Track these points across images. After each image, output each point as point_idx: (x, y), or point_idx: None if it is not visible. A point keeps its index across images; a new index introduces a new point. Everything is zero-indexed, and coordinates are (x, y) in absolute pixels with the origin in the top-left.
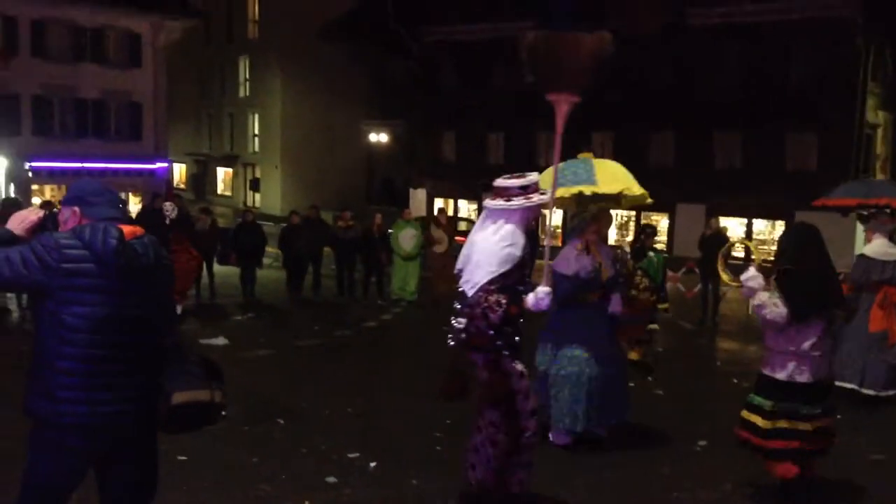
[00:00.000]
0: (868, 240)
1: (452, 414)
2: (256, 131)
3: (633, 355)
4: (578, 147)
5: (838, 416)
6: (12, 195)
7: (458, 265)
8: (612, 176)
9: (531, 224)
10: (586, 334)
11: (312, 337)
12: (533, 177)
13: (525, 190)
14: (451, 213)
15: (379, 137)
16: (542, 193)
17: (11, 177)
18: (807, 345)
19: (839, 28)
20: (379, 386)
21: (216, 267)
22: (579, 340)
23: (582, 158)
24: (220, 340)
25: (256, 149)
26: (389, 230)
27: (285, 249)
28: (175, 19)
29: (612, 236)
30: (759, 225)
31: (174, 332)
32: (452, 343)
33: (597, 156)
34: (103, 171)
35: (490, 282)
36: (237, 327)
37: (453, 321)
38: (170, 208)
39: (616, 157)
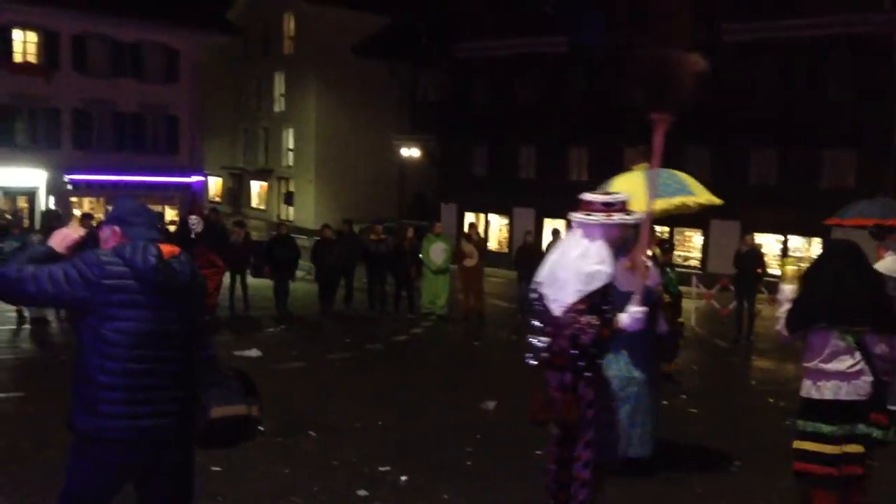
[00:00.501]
0: (879, 257)
1: (483, 428)
2: (291, 146)
3: (665, 369)
4: (633, 161)
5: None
6: (52, 207)
7: (539, 279)
8: (698, 185)
9: (618, 243)
10: (637, 355)
11: (344, 350)
12: (620, 195)
13: (608, 207)
14: (481, 227)
15: (411, 152)
16: (629, 214)
17: (52, 189)
18: (818, 361)
19: (876, 44)
20: (409, 399)
21: (250, 279)
22: (634, 362)
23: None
24: (254, 352)
25: (291, 163)
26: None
27: (318, 263)
28: (212, 35)
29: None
30: (796, 242)
31: (210, 347)
32: (533, 362)
33: (627, 170)
34: (140, 185)
35: (580, 302)
36: (270, 339)
37: (533, 339)
38: (195, 221)
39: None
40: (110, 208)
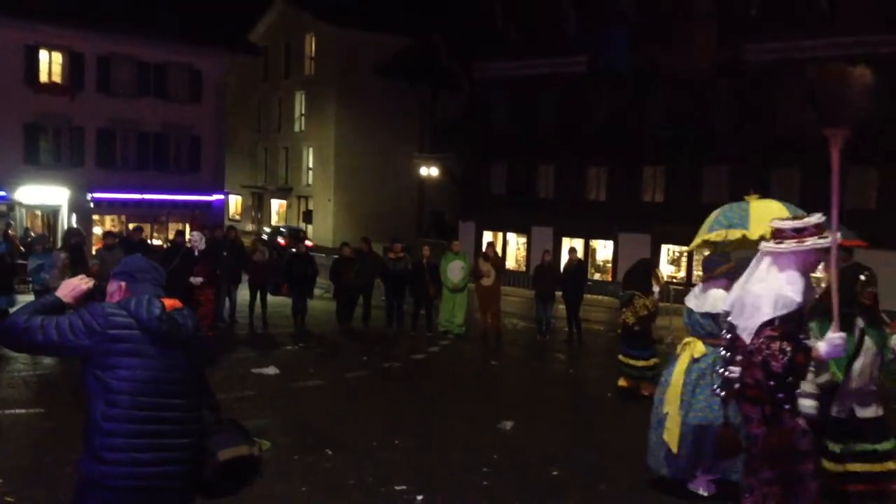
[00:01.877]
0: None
1: (500, 448)
2: (311, 164)
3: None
4: (747, 191)
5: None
6: (74, 225)
7: (726, 307)
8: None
9: (814, 267)
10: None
11: (361, 368)
12: (812, 219)
13: (799, 233)
14: (499, 246)
15: (430, 171)
16: (823, 237)
17: (74, 207)
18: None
19: None
20: (426, 418)
21: (269, 297)
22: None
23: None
24: (272, 370)
25: (310, 181)
26: (439, 263)
27: (336, 281)
28: (235, 56)
29: (666, 271)
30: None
31: (210, 395)
32: (723, 394)
33: (646, 190)
34: (162, 203)
35: (770, 328)
36: (288, 357)
37: (723, 371)
38: (198, 239)
39: (667, 193)
40: (120, 264)
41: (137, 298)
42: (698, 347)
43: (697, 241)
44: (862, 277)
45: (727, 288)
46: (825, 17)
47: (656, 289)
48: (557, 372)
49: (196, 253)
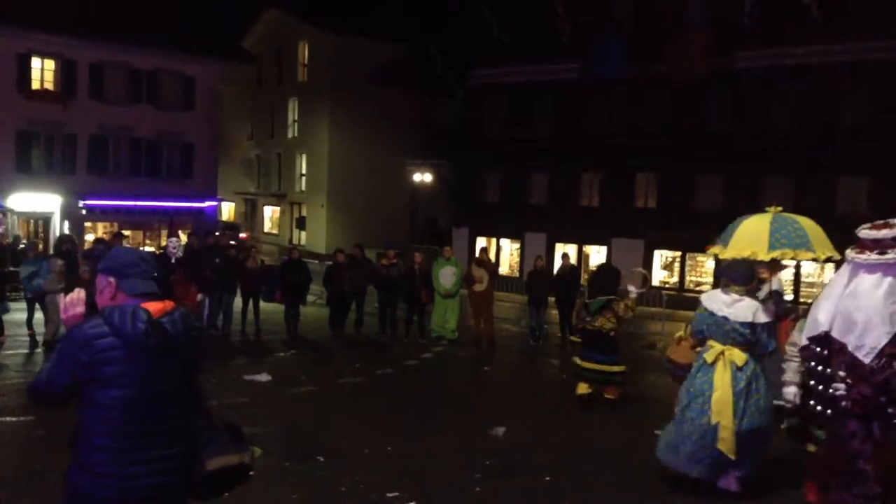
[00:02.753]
0: (767, 279)
1: (492, 454)
2: (304, 171)
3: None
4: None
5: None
6: (66, 232)
7: (826, 327)
8: (817, 236)
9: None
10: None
11: (354, 374)
12: None
13: None
14: (493, 252)
15: (423, 177)
16: None
17: (66, 214)
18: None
19: (890, 70)
20: (418, 425)
21: (262, 304)
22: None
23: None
24: (264, 377)
25: (303, 188)
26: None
27: (329, 287)
28: (228, 63)
29: (658, 277)
30: (808, 268)
31: (203, 400)
32: (829, 412)
33: (639, 196)
34: (155, 210)
35: (891, 345)
36: (281, 364)
37: (826, 388)
38: (174, 245)
39: (661, 200)
40: (106, 257)
41: (121, 310)
42: (739, 355)
43: (745, 253)
44: None
45: (755, 297)
46: (816, 25)
47: (634, 293)
48: (550, 377)
49: (173, 260)
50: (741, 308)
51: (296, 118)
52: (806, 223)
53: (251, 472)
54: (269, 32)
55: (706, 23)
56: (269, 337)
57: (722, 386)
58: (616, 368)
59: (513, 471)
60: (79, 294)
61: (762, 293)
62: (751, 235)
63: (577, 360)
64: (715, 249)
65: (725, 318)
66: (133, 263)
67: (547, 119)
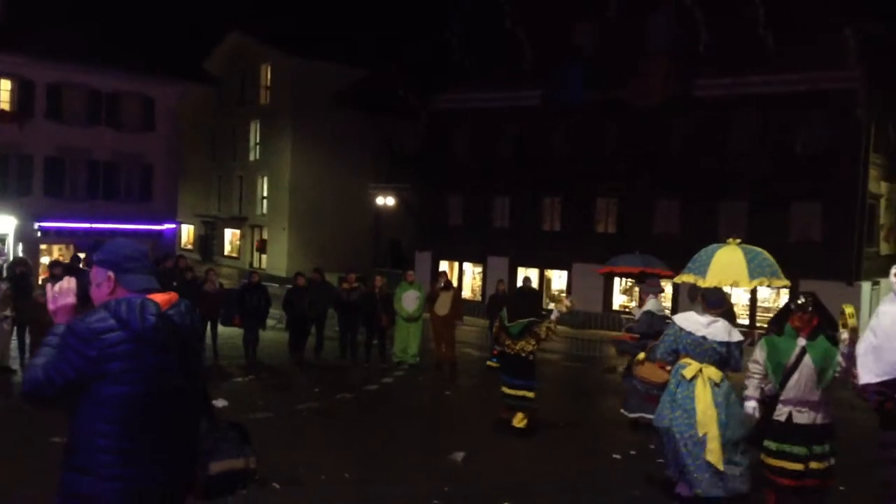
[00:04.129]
0: (643, 300)
1: (451, 480)
2: (265, 193)
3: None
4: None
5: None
6: (21, 255)
7: (867, 350)
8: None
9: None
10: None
11: (312, 399)
12: None
13: None
14: (455, 275)
15: (386, 201)
16: None
17: (21, 236)
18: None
19: (842, 100)
20: (377, 450)
21: (220, 328)
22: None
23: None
24: (220, 402)
25: (265, 211)
26: (393, 292)
27: (289, 311)
28: (189, 84)
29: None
30: (764, 293)
31: (206, 398)
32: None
33: (600, 221)
34: (112, 232)
35: None
36: (237, 389)
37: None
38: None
39: (620, 224)
40: (101, 248)
41: (129, 303)
42: (715, 372)
43: (678, 278)
44: (792, 306)
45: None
46: (771, 55)
47: (555, 314)
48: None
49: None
50: (717, 329)
51: (258, 140)
52: (766, 253)
53: (256, 478)
54: (231, 55)
55: (664, 51)
56: (226, 362)
57: (704, 399)
58: (528, 394)
59: (472, 497)
60: (69, 283)
61: (637, 314)
62: (729, 266)
63: (503, 387)
64: (688, 278)
65: (704, 338)
66: (132, 257)
67: (509, 144)
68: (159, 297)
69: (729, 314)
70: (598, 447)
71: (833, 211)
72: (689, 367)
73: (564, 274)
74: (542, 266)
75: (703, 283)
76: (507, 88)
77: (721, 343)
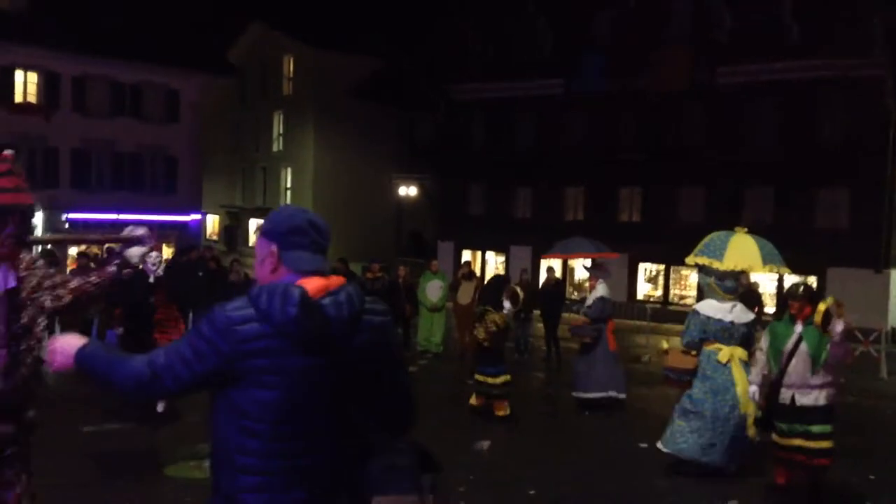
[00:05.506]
0: (592, 286)
1: (476, 469)
2: (289, 185)
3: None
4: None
5: None
6: (49, 247)
7: None
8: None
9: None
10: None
11: None
12: None
13: None
14: (478, 265)
15: (408, 191)
16: None
17: (49, 228)
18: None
19: (868, 86)
20: None
21: None
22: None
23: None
24: None
25: (288, 201)
26: (417, 282)
27: None
28: (212, 76)
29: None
30: (791, 281)
31: (389, 410)
32: None
33: (623, 210)
34: (138, 223)
35: None
36: None
37: None
38: (154, 262)
39: (643, 213)
40: (268, 216)
41: (270, 291)
42: (742, 353)
43: (690, 259)
44: (798, 292)
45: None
46: (796, 41)
47: (508, 305)
48: (535, 391)
49: (151, 279)
50: (739, 312)
51: (281, 132)
52: (770, 243)
53: None
54: (254, 46)
55: (685, 39)
56: None
57: (741, 381)
58: (496, 380)
59: (497, 485)
60: (67, 343)
61: (589, 299)
62: (743, 251)
63: (475, 374)
64: (703, 260)
65: (732, 323)
66: (300, 230)
67: (529, 133)
68: (313, 283)
69: (757, 301)
70: (622, 436)
71: (860, 198)
72: (723, 352)
73: (588, 263)
74: (618, 257)
75: (720, 266)
76: (527, 78)
77: (745, 324)
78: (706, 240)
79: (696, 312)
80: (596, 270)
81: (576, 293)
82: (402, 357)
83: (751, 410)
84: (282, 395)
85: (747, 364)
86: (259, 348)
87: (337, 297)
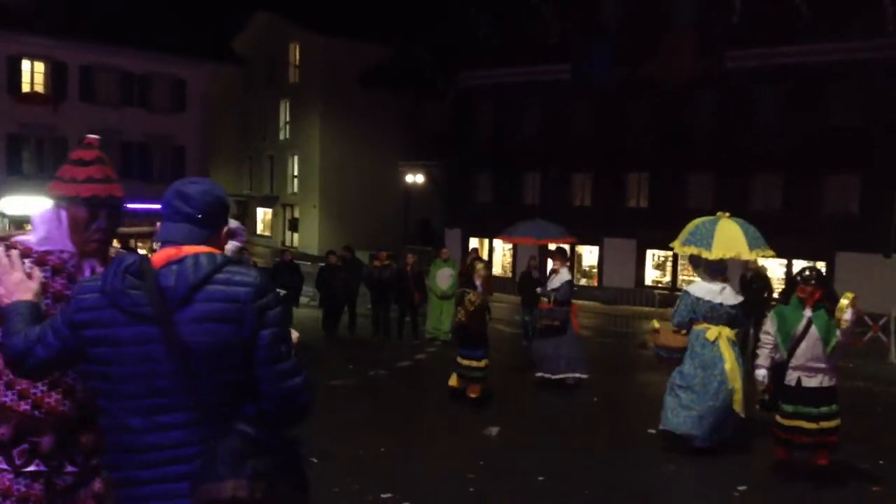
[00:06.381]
0: (557, 270)
1: (486, 455)
2: (296, 173)
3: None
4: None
5: None
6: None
7: None
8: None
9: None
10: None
11: (347, 376)
12: None
13: None
14: (485, 252)
15: (415, 178)
16: None
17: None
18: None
19: (879, 70)
20: (412, 426)
21: None
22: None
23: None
24: None
25: (296, 190)
26: (424, 270)
27: (322, 289)
28: (219, 65)
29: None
30: (800, 266)
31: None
32: None
33: (631, 196)
34: (146, 213)
35: None
36: None
37: None
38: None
39: (651, 199)
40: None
41: (114, 261)
42: (729, 332)
43: (677, 247)
44: (798, 278)
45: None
46: (805, 25)
47: (478, 282)
48: (543, 378)
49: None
50: (728, 294)
51: (287, 120)
52: (752, 226)
53: None
54: (259, 34)
55: (695, 23)
56: None
57: (730, 357)
58: (475, 363)
59: (507, 471)
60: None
61: (556, 282)
62: (730, 238)
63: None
64: (692, 250)
65: (720, 304)
66: (167, 201)
67: (536, 120)
68: (163, 252)
69: (766, 286)
70: (631, 422)
71: (870, 183)
72: (711, 331)
73: (596, 249)
74: (573, 242)
75: (710, 256)
76: (534, 64)
77: (732, 306)
78: (691, 227)
79: (687, 293)
80: (562, 256)
81: (584, 280)
82: (277, 338)
83: (738, 386)
84: (117, 370)
85: (734, 342)
86: (93, 318)
87: (177, 266)
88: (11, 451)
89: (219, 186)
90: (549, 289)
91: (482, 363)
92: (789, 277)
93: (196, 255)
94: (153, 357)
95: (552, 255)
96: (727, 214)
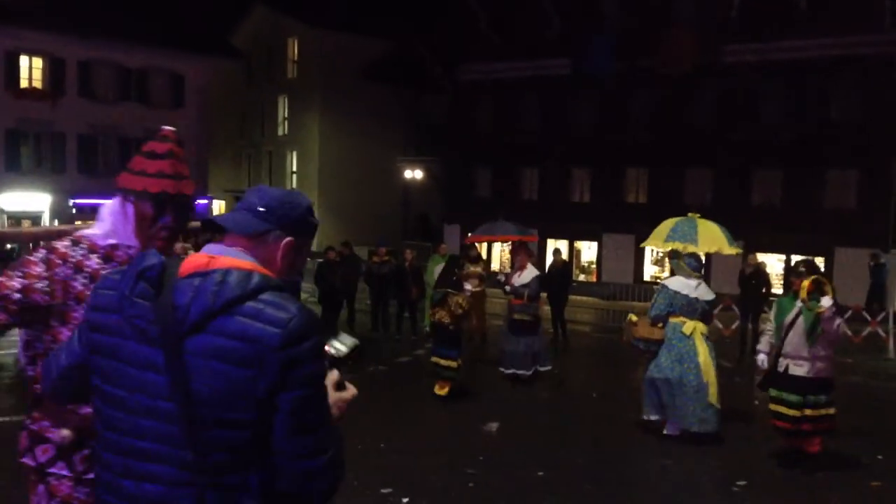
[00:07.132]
0: (523, 266)
1: (485, 450)
2: (294, 168)
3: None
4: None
5: None
6: None
7: None
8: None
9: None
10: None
11: (345, 372)
12: None
13: None
14: (484, 248)
15: (414, 174)
16: None
17: (56, 213)
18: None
19: (878, 65)
20: (412, 421)
21: None
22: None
23: (691, 218)
24: None
25: (294, 185)
26: (423, 265)
27: (320, 284)
28: (217, 60)
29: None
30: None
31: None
32: None
33: (630, 192)
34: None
35: None
36: None
37: None
38: (181, 253)
39: (650, 194)
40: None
41: (139, 258)
42: (702, 327)
43: (656, 244)
44: (801, 269)
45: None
46: (805, 19)
47: (469, 287)
48: (542, 373)
49: None
50: (703, 290)
51: (286, 115)
52: (706, 226)
53: None
54: (258, 29)
55: (694, 18)
56: None
57: (703, 351)
58: (448, 363)
59: (506, 466)
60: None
61: (525, 278)
62: (712, 235)
63: (432, 356)
64: (678, 245)
65: (696, 299)
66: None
67: (536, 115)
68: (195, 260)
69: (765, 283)
70: (629, 417)
71: (869, 178)
72: (687, 325)
73: (594, 245)
74: (572, 238)
75: (696, 249)
76: (534, 59)
77: (706, 301)
78: (670, 225)
79: (665, 287)
80: (527, 251)
81: (583, 275)
82: (305, 404)
83: (712, 379)
84: (110, 389)
85: (707, 337)
86: (104, 322)
87: (199, 281)
88: (73, 457)
89: (305, 196)
90: (518, 285)
91: (456, 363)
92: (788, 272)
93: (227, 271)
94: (150, 390)
95: (515, 251)
96: (698, 215)
